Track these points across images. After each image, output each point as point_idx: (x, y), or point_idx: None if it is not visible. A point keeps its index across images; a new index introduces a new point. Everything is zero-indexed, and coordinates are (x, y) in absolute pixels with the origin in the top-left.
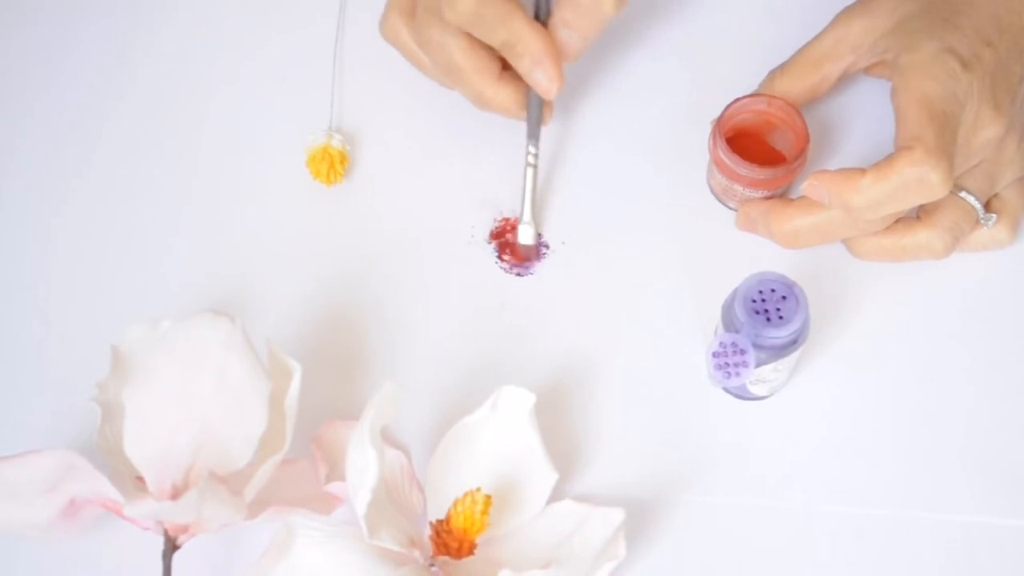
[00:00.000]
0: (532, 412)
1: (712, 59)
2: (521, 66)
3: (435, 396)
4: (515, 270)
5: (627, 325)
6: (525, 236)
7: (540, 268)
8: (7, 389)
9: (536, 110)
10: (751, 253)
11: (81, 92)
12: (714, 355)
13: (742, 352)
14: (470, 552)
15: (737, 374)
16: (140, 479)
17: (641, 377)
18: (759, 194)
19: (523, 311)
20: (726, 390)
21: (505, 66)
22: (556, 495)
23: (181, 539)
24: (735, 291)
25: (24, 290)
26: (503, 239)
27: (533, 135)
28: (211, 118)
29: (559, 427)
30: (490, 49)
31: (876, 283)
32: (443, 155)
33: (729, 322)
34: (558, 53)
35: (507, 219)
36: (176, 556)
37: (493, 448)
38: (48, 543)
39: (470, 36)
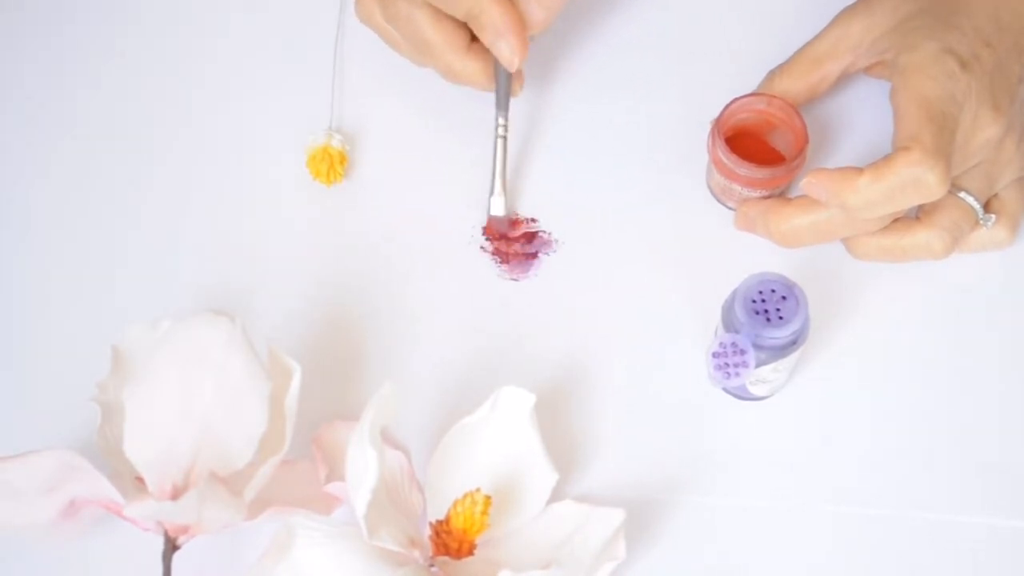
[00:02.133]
0: (532, 412)
1: (712, 58)
2: (484, 37)
3: (435, 396)
4: (512, 275)
5: (627, 325)
6: (496, 208)
7: (539, 268)
8: (7, 389)
9: (504, 81)
10: (751, 253)
11: (81, 92)
12: (714, 355)
13: (742, 352)
14: (470, 552)
15: (737, 374)
16: (140, 479)
17: (641, 377)
18: (758, 194)
19: (523, 311)
20: (726, 390)
21: (474, 38)
22: (556, 495)
23: (181, 540)
24: (735, 291)
25: (24, 290)
26: (499, 239)
27: (502, 106)
28: (211, 118)
29: (559, 427)
30: (458, 22)
31: (875, 283)
32: (443, 155)
33: (729, 322)
34: (522, 24)
35: (509, 217)
36: (176, 556)
37: (493, 448)
38: (48, 543)
39: (437, 9)
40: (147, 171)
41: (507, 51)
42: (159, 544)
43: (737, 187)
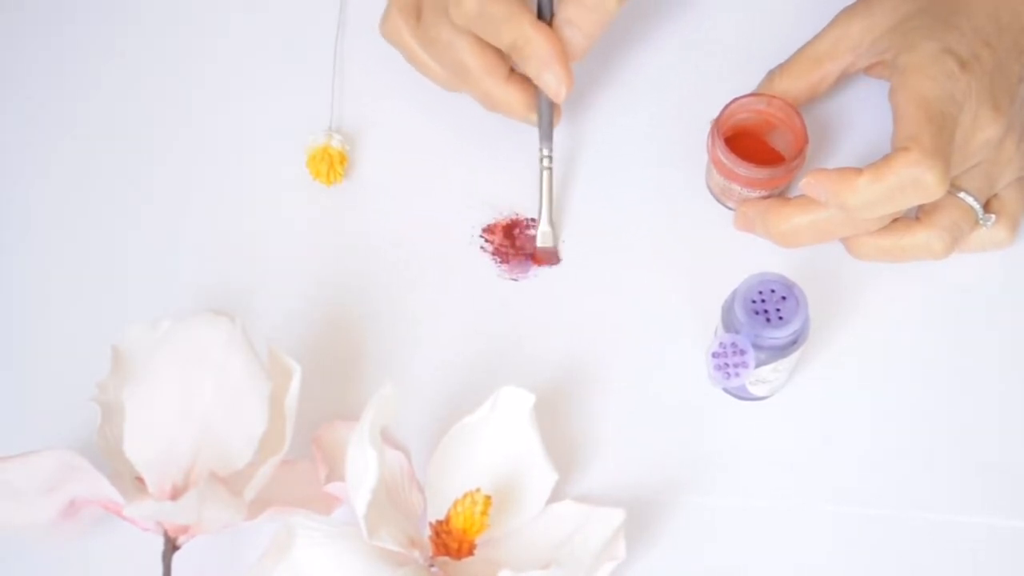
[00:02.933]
0: (532, 412)
1: (711, 59)
2: (529, 68)
3: (435, 396)
4: (511, 275)
5: (627, 325)
6: (544, 239)
7: (539, 268)
8: (7, 389)
9: (547, 111)
10: (751, 253)
11: (81, 92)
12: (714, 356)
13: (742, 352)
14: (470, 552)
15: (737, 375)
16: (140, 479)
17: (641, 377)
18: (757, 194)
19: (523, 311)
20: (726, 391)
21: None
22: (556, 495)
23: (181, 540)
24: (735, 292)
25: (25, 289)
26: (496, 236)
27: (546, 137)
28: (212, 118)
29: (559, 427)
30: (498, 49)
31: (875, 283)
32: (443, 155)
33: (729, 323)
34: (565, 54)
35: (509, 217)
36: (176, 556)
37: (493, 448)
38: (48, 543)
39: (478, 36)
40: (147, 171)
41: (554, 82)
42: (159, 544)
43: (737, 187)
